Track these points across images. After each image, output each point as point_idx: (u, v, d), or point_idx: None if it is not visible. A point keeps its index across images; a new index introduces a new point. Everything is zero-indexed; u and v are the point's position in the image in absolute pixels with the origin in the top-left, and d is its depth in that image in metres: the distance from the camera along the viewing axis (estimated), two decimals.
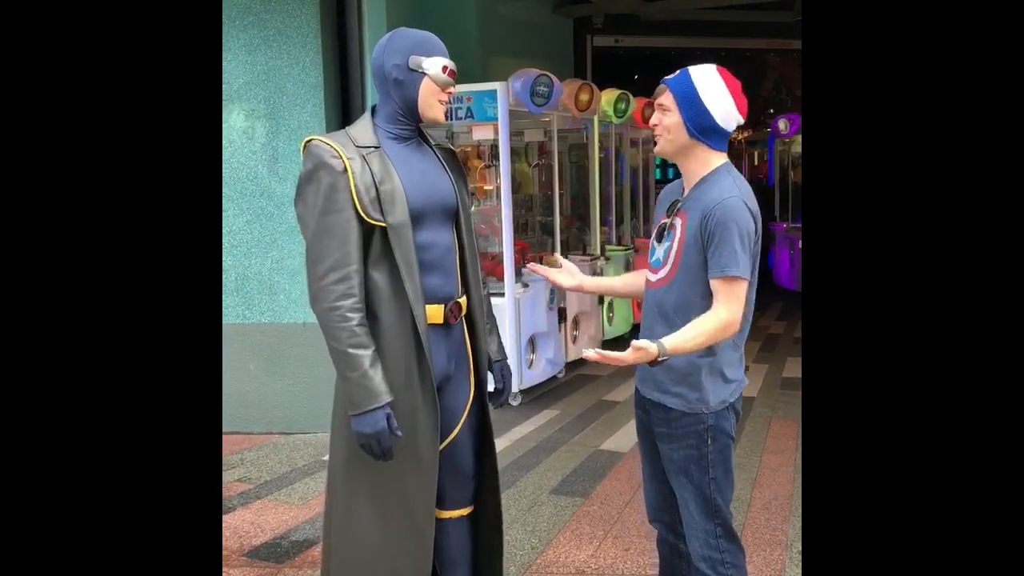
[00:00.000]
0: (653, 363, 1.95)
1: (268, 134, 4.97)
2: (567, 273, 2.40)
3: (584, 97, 6.33)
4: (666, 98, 2.08)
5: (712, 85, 2.06)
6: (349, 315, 2.01)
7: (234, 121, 4.99)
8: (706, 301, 2.05)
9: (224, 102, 4.93)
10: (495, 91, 5.40)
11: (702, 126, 2.06)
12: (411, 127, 2.19)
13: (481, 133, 5.63)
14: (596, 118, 6.90)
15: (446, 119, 2.36)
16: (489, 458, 2.35)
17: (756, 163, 15.08)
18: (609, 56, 10.68)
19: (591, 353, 1.92)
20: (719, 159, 2.13)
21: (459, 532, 2.32)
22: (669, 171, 10.93)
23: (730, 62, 14.86)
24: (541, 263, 2.54)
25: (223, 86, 4.89)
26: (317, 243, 2.03)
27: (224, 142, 4.96)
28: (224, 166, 4.92)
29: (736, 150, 15.06)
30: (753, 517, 3.63)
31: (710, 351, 2.08)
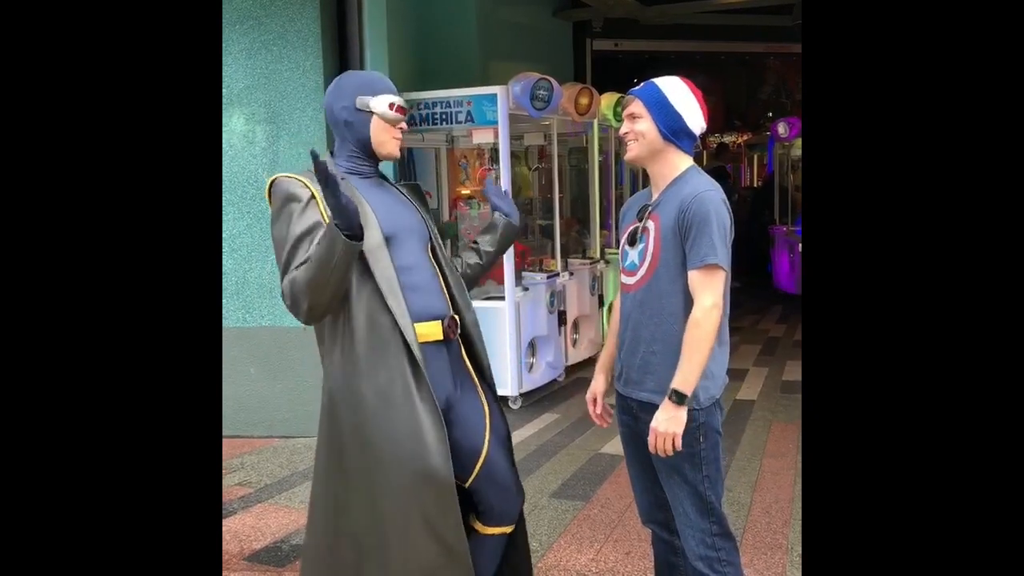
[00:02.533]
0: (682, 404, 2.06)
1: (269, 138, 4.98)
2: (601, 394, 2.43)
3: (584, 101, 6.34)
4: (636, 106, 2.20)
5: (678, 90, 2.19)
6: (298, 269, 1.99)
7: (235, 125, 5.00)
8: (683, 294, 2.12)
9: (224, 106, 4.94)
10: (495, 95, 5.40)
11: (674, 128, 2.17)
12: (369, 165, 2.22)
13: (481, 137, 5.64)
14: (596, 122, 6.91)
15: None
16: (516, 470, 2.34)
17: (756, 166, 15.09)
18: (609, 60, 10.70)
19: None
20: (687, 162, 2.23)
21: (495, 549, 2.30)
22: None
23: (729, 66, 14.92)
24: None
25: (224, 90, 4.90)
26: (292, 251, 2.01)
27: (224, 146, 4.97)
28: (225, 170, 4.93)
29: (735, 153, 15.08)
30: (754, 521, 3.62)
31: None
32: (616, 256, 8.00)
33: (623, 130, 2.23)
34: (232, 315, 5.04)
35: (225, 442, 4.86)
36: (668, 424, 2.06)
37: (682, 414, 2.07)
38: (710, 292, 2.07)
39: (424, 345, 2.11)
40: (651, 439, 2.10)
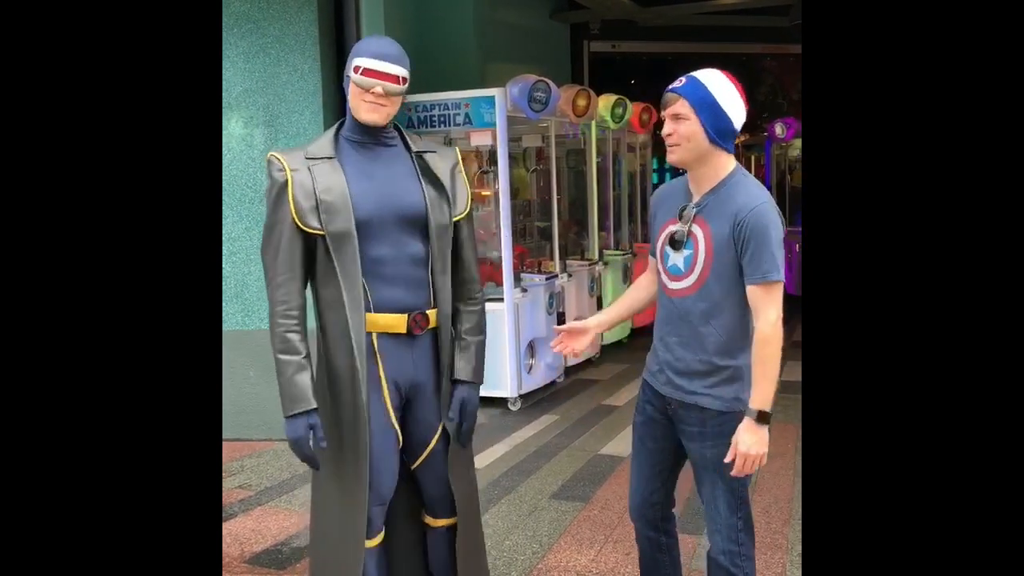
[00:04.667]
0: (766, 424, 2.05)
1: (267, 141, 4.98)
2: (579, 334, 2.40)
3: (581, 103, 6.35)
4: (681, 106, 2.07)
5: (725, 88, 2.09)
6: (280, 321, 2.11)
7: (233, 128, 5.01)
8: (739, 306, 2.10)
9: (223, 109, 4.94)
10: (493, 97, 5.42)
11: (721, 130, 2.08)
12: (369, 133, 2.19)
13: (479, 139, 5.65)
14: (594, 123, 6.92)
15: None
16: (466, 468, 2.35)
17: (753, 168, 15.10)
18: (606, 61, 10.71)
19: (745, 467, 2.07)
20: (731, 162, 2.15)
21: (447, 542, 2.35)
22: (667, 175, 10.95)
23: (726, 66, 14.86)
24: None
25: (222, 94, 4.90)
26: (263, 253, 2.15)
27: (223, 149, 4.97)
28: (223, 173, 4.93)
29: (735, 154, 15.08)
30: (754, 521, 3.62)
31: (744, 354, 2.12)
32: (614, 257, 7.97)
33: (666, 131, 2.10)
34: (231, 318, 5.04)
35: (225, 445, 4.85)
36: (756, 446, 2.04)
37: (765, 433, 2.05)
38: (774, 306, 2.04)
39: (385, 336, 2.16)
40: (740, 464, 2.06)
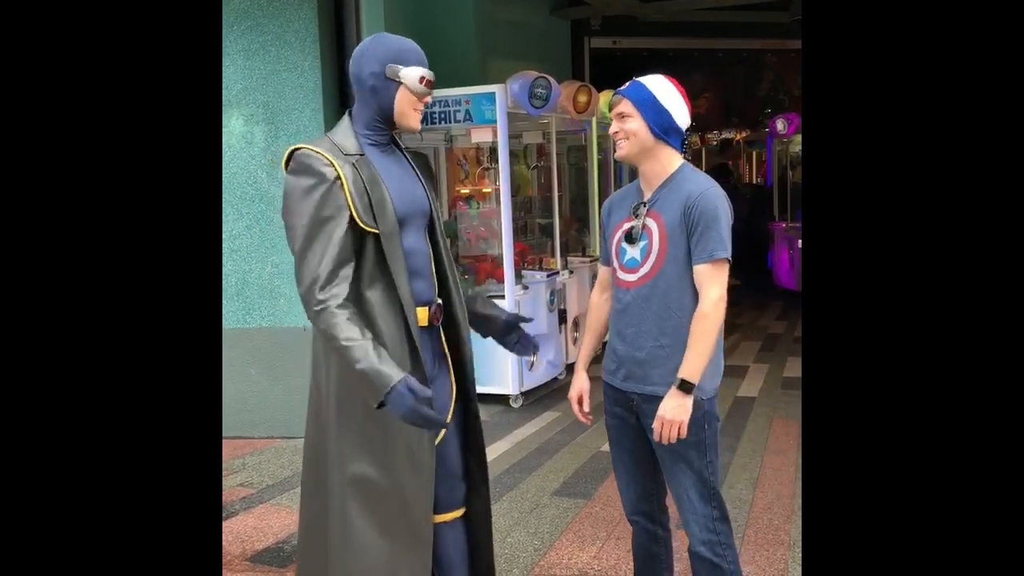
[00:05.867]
0: (689, 393, 2.13)
1: (267, 138, 4.98)
2: (586, 390, 2.49)
3: (582, 99, 6.34)
4: (625, 106, 2.23)
5: (666, 89, 2.24)
6: (337, 311, 1.97)
7: (233, 126, 5.00)
8: (692, 289, 2.19)
9: (223, 107, 4.94)
10: (493, 93, 5.41)
11: (664, 126, 2.22)
12: (387, 133, 2.20)
13: (479, 135, 5.64)
14: (594, 119, 6.91)
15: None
16: (476, 457, 2.34)
17: (755, 163, 15.07)
18: (607, 57, 10.69)
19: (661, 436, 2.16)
20: (678, 159, 2.28)
21: (454, 535, 2.31)
22: None
23: (727, 63, 14.92)
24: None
25: (222, 91, 4.90)
26: (308, 249, 2.01)
27: (223, 147, 4.97)
28: (223, 171, 4.94)
29: (735, 150, 15.07)
30: (756, 517, 3.63)
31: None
32: None
33: (613, 129, 2.27)
34: (232, 316, 5.04)
35: (227, 443, 4.86)
36: (676, 412, 2.13)
37: (689, 403, 2.13)
38: (717, 285, 2.14)
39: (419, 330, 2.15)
40: (657, 427, 2.15)
